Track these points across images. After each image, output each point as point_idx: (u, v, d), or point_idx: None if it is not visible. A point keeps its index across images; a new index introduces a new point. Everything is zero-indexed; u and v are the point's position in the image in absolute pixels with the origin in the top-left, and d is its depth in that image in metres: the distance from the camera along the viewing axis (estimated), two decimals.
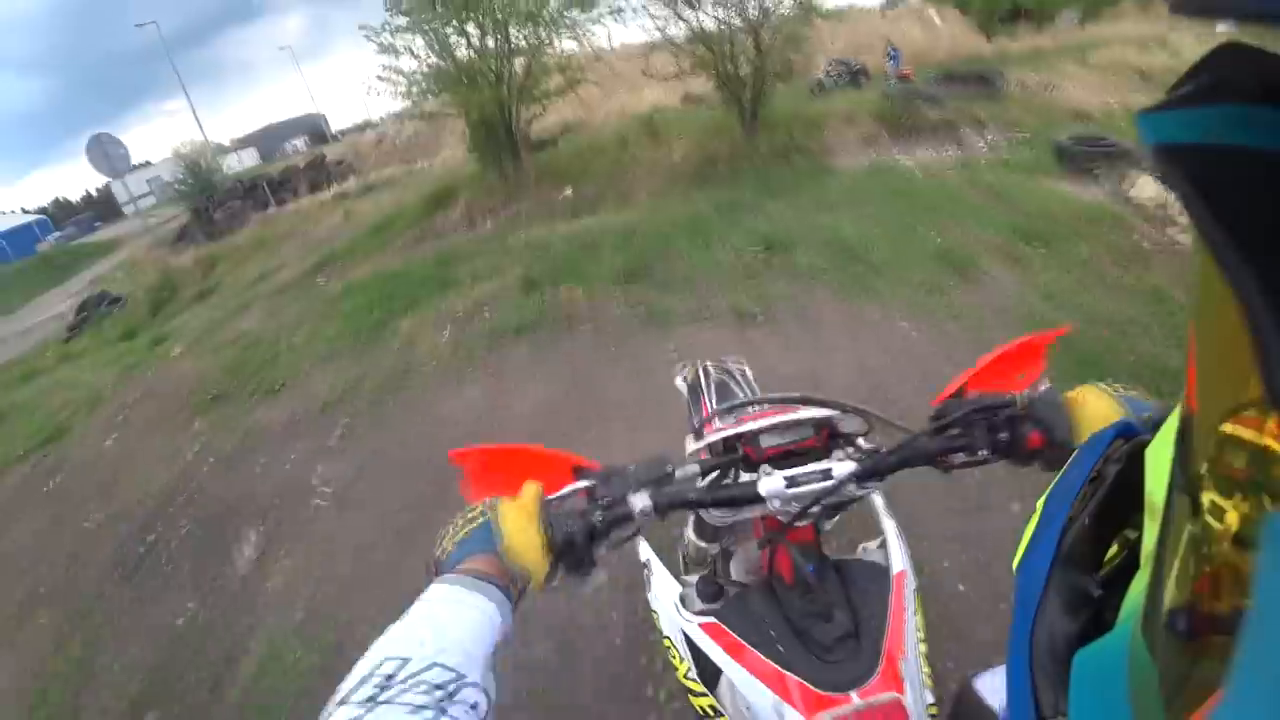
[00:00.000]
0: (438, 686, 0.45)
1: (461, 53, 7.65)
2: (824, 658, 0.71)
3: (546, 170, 8.52)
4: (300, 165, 19.80)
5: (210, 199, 15.95)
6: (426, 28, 7.40)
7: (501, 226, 7.44)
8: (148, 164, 37.70)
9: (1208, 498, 0.22)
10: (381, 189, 13.10)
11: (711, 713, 0.77)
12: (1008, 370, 0.82)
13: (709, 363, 1.48)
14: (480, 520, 0.64)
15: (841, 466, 0.71)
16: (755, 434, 0.80)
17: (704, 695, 0.78)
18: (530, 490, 0.67)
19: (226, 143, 44.03)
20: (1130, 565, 0.32)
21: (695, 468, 0.79)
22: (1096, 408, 0.66)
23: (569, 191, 7.87)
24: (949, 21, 14.64)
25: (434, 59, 7.65)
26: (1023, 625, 0.36)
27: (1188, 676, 0.22)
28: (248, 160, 37.87)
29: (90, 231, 33.23)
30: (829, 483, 0.70)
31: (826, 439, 0.80)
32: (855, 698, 0.67)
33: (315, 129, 43.91)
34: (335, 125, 46.73)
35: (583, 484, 0.72)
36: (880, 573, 0.80)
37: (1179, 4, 0.20)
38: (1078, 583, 0.36)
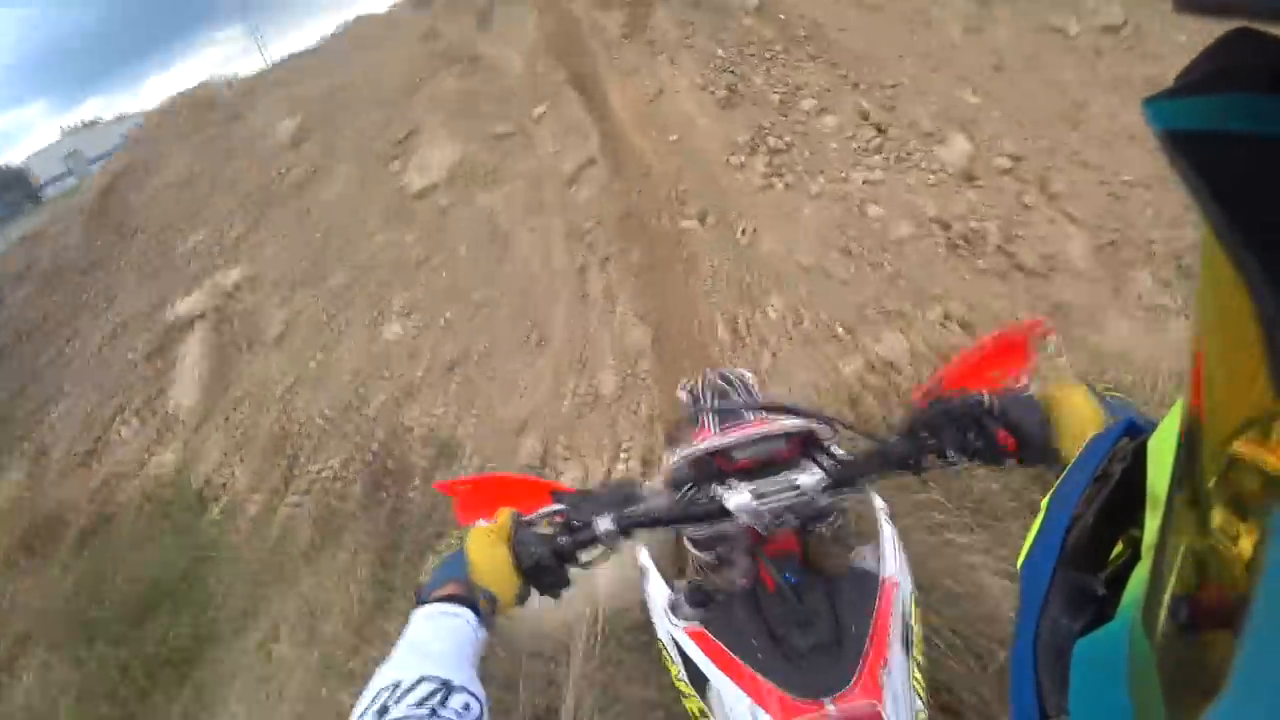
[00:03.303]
0: (429, 695, 0.50)
1: None
2: (801, 665, 0.72)
3: None
4: None
5: None
6: None
7: None
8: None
9: (1217, 513, 0.22)
10: None
11: (700, 715, 0.78)
12: (987, 367, 0.82)
13: (712, 371, 1.41)
14: (455, 548, 0.70)
15: (808, 478, 0.73)
16: (726, 449, 0.80)
17: (693, 698, 0.79)
18: (503, 516, 0.71)
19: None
20: (1135, 564, 0.32)
21: (660, 485, 0.80)
22: (1075, 408, 0.67)
23: None
24: None
25: None
26: (1027, 624, 0.36)
27: (1187, 666, 0.22)
28: None
29: None
30: (796, 493, 0.72)
31: (799, 449, 0.80)
32: (829, 705, 0.68)
33: None
34: None
35: (555, 508, 0.74)
36: (869, 580, 0.79)
37: (1184, 1, 0.19)
38: (1082, 581, 0.36)
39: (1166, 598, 0.23)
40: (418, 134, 3.39)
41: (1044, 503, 0.41)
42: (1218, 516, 0.21)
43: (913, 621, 0.78)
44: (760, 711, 0.70)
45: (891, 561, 0.80)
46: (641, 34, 3.11)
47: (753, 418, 0.95)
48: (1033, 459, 0.69)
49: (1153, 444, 0.32)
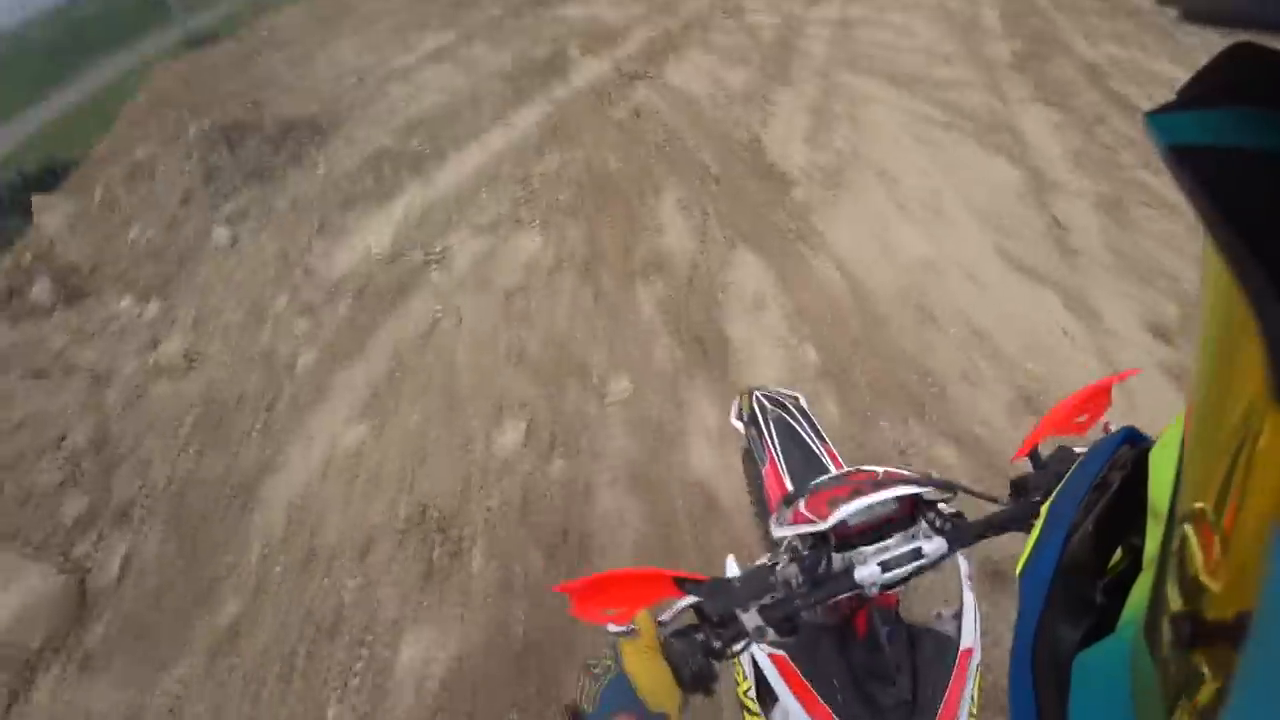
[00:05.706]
0: None
1: None
2: (878, 718, 0.76)
3: None
4: None
5: None
6: None
7: None
8: None
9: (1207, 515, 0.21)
10: None
11: None
12: (1073, 413, 0.84)
13: (761, 394, 1.44)
14: (613, 672, 0.66)
15: (932, 545, 0.75)
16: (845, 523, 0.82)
17: (759, 716, 0.85)
18: (644, 624, 0.69)
19: None
20: (1134, 572, 0.32)
21: (794, 568, 0.79)
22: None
23: None
24: None
25: None
26: (1025, 632, 0.36)
27: (1190, 682, 0.21)
28: None
29: None
30: (921, 562, 0.74)
31: (911, 508, 0.81)
32: None
33: None
34: None
35: (689, 601, 0.73)
36: (949, 646, 0.81)
37: (1190, 12, 0.27)
38: (1082, 589, 0.36)
39: (1168, 614, 0.23)
40: None
41: (1043, 510, 0.41)
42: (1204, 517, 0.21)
43: (975, 692, 0.80)
44: None
45: (971, 631, 0.82)
46: None
47: (834, 485, 0.91)
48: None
49: (1154, 455, 0.32)
